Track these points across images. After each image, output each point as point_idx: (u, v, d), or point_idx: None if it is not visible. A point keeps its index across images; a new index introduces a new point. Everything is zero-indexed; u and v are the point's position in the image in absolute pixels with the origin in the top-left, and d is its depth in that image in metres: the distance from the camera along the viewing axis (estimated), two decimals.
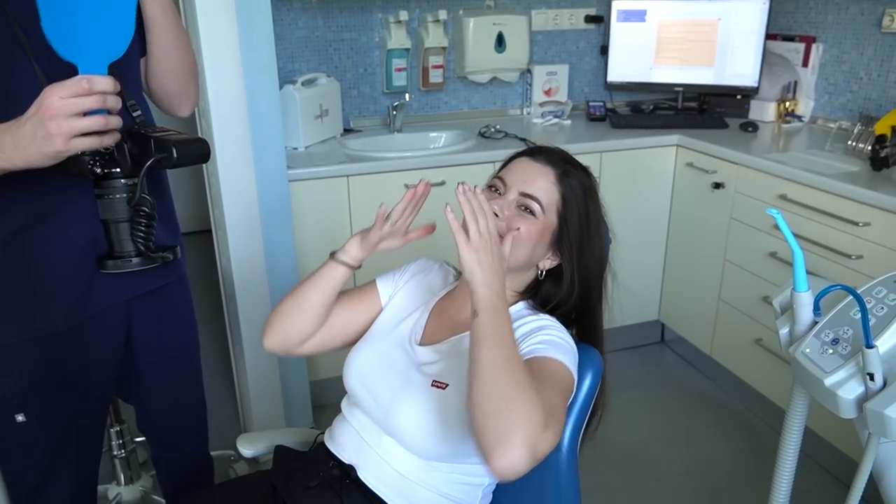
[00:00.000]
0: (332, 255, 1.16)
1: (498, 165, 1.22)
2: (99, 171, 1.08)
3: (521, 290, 1.17)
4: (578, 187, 1.13)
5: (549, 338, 1.05)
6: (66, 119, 0.90)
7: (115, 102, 0.95)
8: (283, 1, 2.54)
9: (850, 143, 2.27)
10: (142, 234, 1.15)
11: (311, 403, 2.40)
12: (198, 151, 1.12)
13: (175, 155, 1.08)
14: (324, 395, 2.46)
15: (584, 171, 1.17)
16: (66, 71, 0.97)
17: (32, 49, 1.04)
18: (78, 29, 0.92)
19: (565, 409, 0.99)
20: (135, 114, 1.20)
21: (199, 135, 2.14)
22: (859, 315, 0.81)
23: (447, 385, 1.06)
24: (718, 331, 2.55)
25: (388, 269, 1.31)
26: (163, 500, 1.76)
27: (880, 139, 2.03)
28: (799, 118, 2.71)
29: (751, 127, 2.65)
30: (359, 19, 2.67)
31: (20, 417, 1.22)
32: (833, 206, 2.01)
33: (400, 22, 2.62)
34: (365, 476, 1.12)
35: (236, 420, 2.44)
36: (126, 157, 1.11)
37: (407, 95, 2.72)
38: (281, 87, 2.29)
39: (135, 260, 1.16)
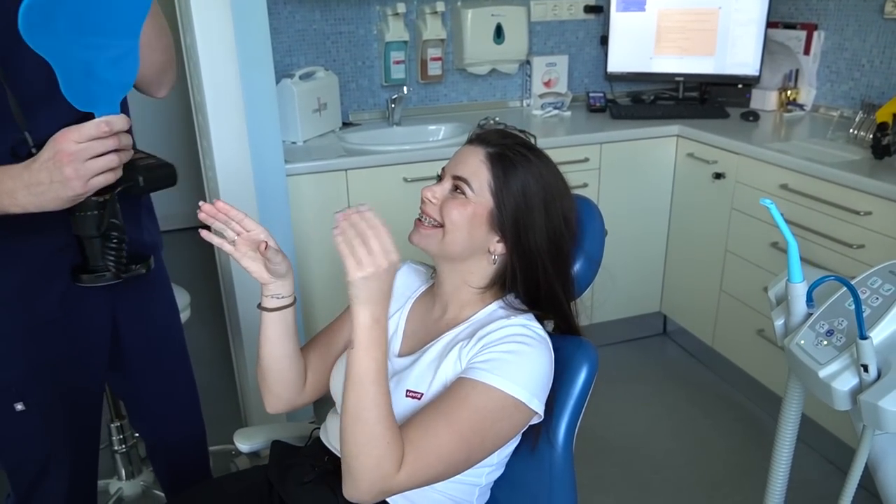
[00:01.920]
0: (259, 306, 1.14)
1: None
2: None
3: (484, 285, 1.12)
4: (513, 164, 1.06)
5: (499, 356, 1.01)
6: (83, 162, 0.91)
7: (127, 140, 0.95)
8: None
9: (851, 131, 2.25)
10: (112, 258, 1.14)
11: None
12: (165, 177, 1.12)
13: (141, 183, 1.08)
14: (327, 391, 2.46)
15: (527, 146, 1.10)
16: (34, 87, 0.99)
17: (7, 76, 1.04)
18: (92, 80, 0.93)
19: (451, 455, 0.96)
20: None
21: (196, 130, 2.13)
22: (854, 306, 0.80)
23: (422, 395, 1.04)
24: (720, 322, 2.54)
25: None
26: (163, 495, 1.77)
27: (882, 127, 2.01)
28: (801, 107, 2.69)
29: (752, 116, 2.63)
30: (356, 12, 2.66)
31: (19, 406, 1.23)
32: (834, 195, 2.00)
33: (397, 14, 2.61)
34: None
35: (238, 415, 2.45)
36: None
37: (405, 88, 2.71)
38: (278, 81, 2.29)
39: (108, 274, 1.16)
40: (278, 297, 1.11)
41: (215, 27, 1.82)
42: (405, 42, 2.69)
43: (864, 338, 0.79)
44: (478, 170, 1.07)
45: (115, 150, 0.95)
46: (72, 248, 1.18)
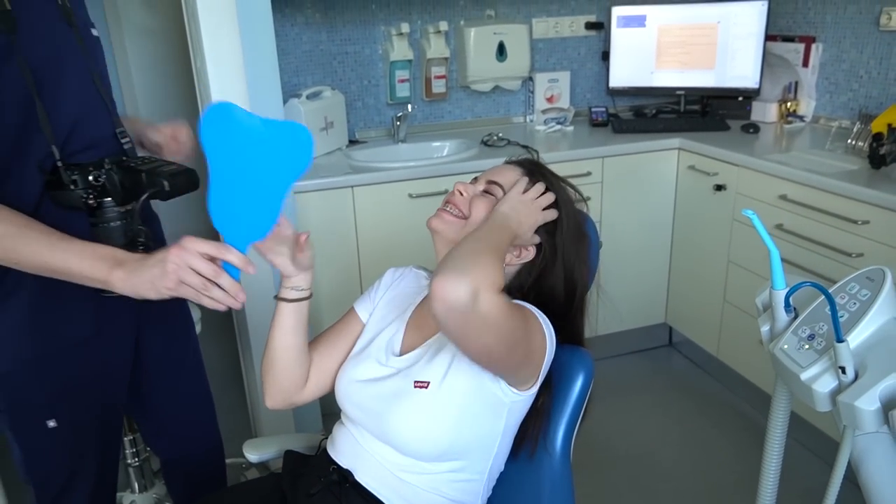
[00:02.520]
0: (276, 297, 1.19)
1: None
2: (92, 202, 1.14)
3: None
4: (548, 184, 1.17)
5: (528, 306, 1.09)
6: (186, 267, 0.98)
7: (229, 283, 1.00)
8: (287, 17, 2.61)
9: (849, 141, 2.28)
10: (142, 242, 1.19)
11: (320, 411, 2.43)
12: (188, 182, 1.17)
13: (167, 188, 1.14)
14: (333, 403, 2.49)
15: (557, 178, 1.21)
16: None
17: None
18: (234, 208, 0.98)
19: (518, 322, 1.00)
20: (123, 140, 1.26)
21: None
22: (830, 311, 0.83)
23: (429, 383, 1.09)
24: (724, 332, 2.56)
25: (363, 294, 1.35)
26: None
27: (877, 137, 2.04)
28: (801, 118, 2.72)
29: (752, 128, 2.67)
30: (362, 32, 2.73)
31: (51, 423, 1.27)
32: (832, 205, 2.02)
33: (402, 34, 2.67)
34: (363, 478, 1.14)
35: (248, 428, 2.49)
36: (117, 187, 1.16)
37: (410, 106, 2.77)
38: (286, 101, 2.35)
39: None
40: (298, 290, 1.17)
41: (224, 50, 1.89)
42: (409, 61, 2.75)
43: (840, 341, 0.82)
44: (513, 182, 1.16)
45: (213, 283, 1.00)
46: None
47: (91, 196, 1.14)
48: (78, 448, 1.34)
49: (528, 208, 1.11)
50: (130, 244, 1.18)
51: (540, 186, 1.14)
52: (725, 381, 2.68)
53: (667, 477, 2.23)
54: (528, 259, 1.17)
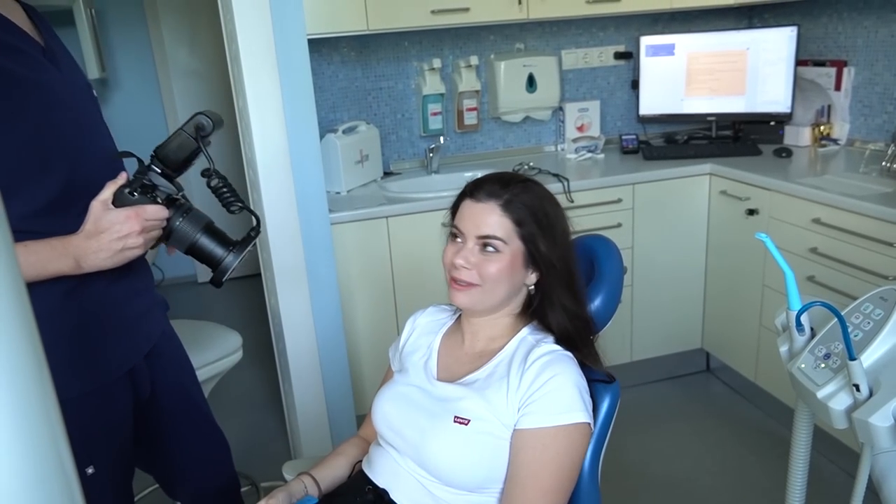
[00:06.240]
0: None
1: None
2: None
3: (519, 312, 1.22)
4: (524, 206, 1.15)
5: (546, 391, 1.09)
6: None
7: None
8: (323, 56, 2.72)
9: (884, 164, 2.26)
10: (230, 197, 1.18)
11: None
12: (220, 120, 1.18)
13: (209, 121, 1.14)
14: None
15: (525, 183, 1.19)
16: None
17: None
18: None
19: (562, 485, 1.08)
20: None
21: (247, 183, 2.30)
22: (841, 330, 0.85)
23: (469, 420, 1.12)
24: (762, 357, 2.54)
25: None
26: None
27: None
28: (835, 141, 2.71)
29: (784, 152, 2.67)
30: (395, 68, 2.83)
31: (90, 470, 1.23)
32: (867, 227, 2.01)
33: (434, 69, 2.76)
34: (398, 497, 1.17)
35: (288, 453, 2.55)
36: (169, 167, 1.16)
37: (442, 138, 2.84)
38: (323, 136, 2.44)
39: (229, 258, 1.18)
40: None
41: (265, 90, 1.99)
42: (442, 94, 2.83)
43: (853, 359, 0.84)
44: (500, 223, 1.14)
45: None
46: (138, 305, 1.30)
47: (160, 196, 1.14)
48: (116, 496, 1.31)
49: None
50: (214, 190, 1.17)
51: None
52: (764, 407, 2.64)
53: None
54: (535, 279, 1.19)
